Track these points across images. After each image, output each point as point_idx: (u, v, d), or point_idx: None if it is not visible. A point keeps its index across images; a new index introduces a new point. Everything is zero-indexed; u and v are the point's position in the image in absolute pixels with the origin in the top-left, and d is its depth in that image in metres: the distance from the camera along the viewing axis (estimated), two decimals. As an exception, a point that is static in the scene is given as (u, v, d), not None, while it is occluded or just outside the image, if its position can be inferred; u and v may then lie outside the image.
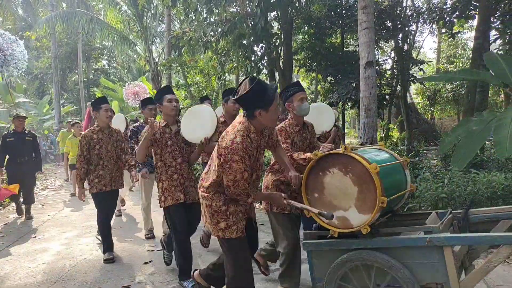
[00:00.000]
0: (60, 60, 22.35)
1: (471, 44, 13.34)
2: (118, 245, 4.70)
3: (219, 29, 9.07)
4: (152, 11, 15.89)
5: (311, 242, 2.52)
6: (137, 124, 5.02)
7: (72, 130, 8.56)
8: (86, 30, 18.23)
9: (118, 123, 5.29)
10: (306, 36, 12.01)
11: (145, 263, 4.03)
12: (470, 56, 10.14)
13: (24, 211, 6.45)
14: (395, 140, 14.02)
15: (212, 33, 9.48)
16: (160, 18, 16.69)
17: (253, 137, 2.33)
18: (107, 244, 4.19)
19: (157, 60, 17.73)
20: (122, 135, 4.49)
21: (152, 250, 4.45)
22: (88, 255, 4.38)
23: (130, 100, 10.51)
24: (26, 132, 6.53)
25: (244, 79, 2.39)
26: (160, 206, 3.35)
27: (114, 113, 4.69)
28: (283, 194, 2.40)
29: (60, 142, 10.57)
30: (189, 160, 3.47)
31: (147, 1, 9.96)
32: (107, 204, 4.27)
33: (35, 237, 5.24)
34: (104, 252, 4.17)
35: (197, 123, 3.27)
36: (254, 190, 2.42)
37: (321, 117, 3.97)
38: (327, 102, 10.95)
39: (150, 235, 4.98)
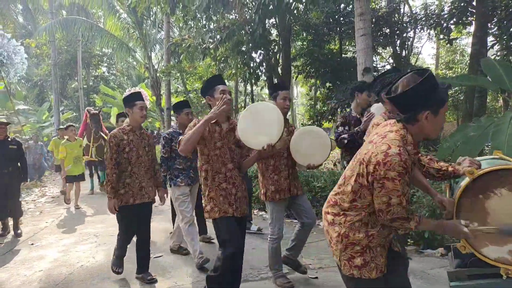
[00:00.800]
0: (59, 67, 22.41)
1: (469, 50, 13.40)
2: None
3: (218, 36, 9.12)
4: (152, 19, 15.99)
5: (468, 284, 1.92)
6: (170, 130, 4.40)
7: (65, 136, 8.05)
8: (85, 38, 18.33)
9: None
10: (305, 43, 12.07)
11: (142, 270, 3.99)
12: (468, 61, 10.18)
13: (12, 226, 5.79)
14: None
15: (210, 40, 9.54)
16: (159, 25, 16.77)
17: (410, 150, 1.77)
18: (120, 260, 3.79)
19: (156, 67, 17.81)
20: (153, 139, 3.88)
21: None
22: (85, 262, 4.35)
23: None
24: (9, 140, 5.89)
25: (407, 73, 1.87)
26: (205, 217, 2.93)
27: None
28: (462, 221, 1.81)
29: (54, 151, 9.75)
30: (241, 167, 2.95)
31: (147, 9, 10.02)
32: (132, 221, 3.63)
33: (32, 244, 5.21)
34: (114, 265, 3.79)
35: (261, 124, 2.72)
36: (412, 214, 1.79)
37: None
38: (325, 109, 10.98)
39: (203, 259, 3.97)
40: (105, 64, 29.10)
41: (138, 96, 3.57)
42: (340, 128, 3.88)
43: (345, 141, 3.75)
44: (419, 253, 4.16)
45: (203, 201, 2.87)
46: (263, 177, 3.41)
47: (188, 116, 4.08)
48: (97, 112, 9.30)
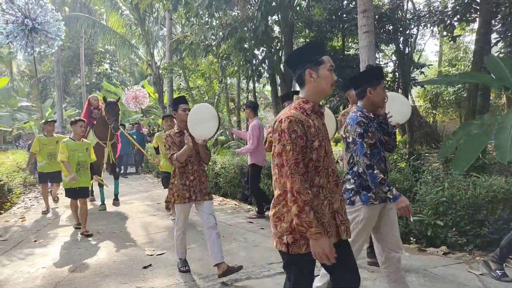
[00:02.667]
0: (62, 64, 22.46)
1: (472, 47, 13.33)
2: (117, 249, 4.70)
3: (220, 33, 9.10)
4: (154, 15, 15.97)
5: None
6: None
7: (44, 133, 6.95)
8: (88, 34, 18.34)
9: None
10: (307, 40, 12.02)
11: (145, 267, 4.01)
12: (472, 59, 10.13)
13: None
14: (396, 143, 13.98)
15: (213, 37, 9.53)
16: (161, 22, 16.76)
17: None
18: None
19: (158, 63, 17.79)
20: None
21: (151, 255, 4.43)
22: (88, 259, 4.37)
23: (130, 104, 10.40)
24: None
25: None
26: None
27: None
28: None
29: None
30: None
31: (149, 6, 10.01)
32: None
33: (35, 241, 5.23)
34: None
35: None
36: None
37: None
38: (327, 106, 10.94)
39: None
40: (108, 61, 29.16)
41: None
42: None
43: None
44: (421, 251, 4.15)
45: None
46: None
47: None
48: (115, 101, 7.18)
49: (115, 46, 18.55)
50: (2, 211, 7.29)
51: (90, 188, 7.07)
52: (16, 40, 7.79)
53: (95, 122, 7.35)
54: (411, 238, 4.42)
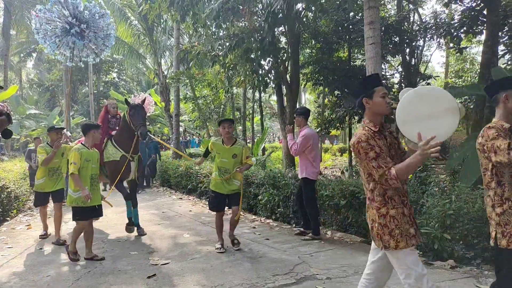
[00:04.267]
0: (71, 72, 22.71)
1: (479, 59, 13.27)
2: (122, 258, 4.70)
3: (227, 44, 9.17)
4: (162, 26, 16.16)
5: None
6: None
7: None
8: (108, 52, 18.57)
9: None
10: (313, 50, 12.08)
11: (149, 277, 4.00)
12: (479, 70, 10.10)
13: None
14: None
15: (220, 47, 9.60)
16: (169, 33, 16.94)
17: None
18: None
19: (166, 73, 17.94)
20: None
21: (156, 264, 4.42)
22: (92, 268, 4.37)
23: None
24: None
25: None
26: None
27: None
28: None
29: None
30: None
31: (157, 16, 10.13)
32: None
33: (40, 249, 5.25)
34: None
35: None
36: None
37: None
38: (334, 116, 10.95)
39: None
40: (116, 70, 29.49)
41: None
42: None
43: None
44: (428, 264, 4.10)
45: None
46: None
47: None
48: (140, 103, 6.01)
49: (123, 55, 18.78)
50: (8, 218, 7.33)
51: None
52: (62, 45, 6.88)
53: (113, 133, 6.20)
54: (418, 252, 4.36)
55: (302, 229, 5.63)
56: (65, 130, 6.13)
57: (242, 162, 5.00)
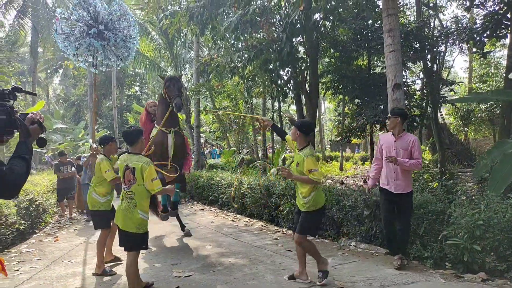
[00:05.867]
0: (95, 87, 23.42)
1: (504, 63, 12.90)
2: (146, 270, 4.74)
3: (246, 55, 9.27)
4: (182, 39, 16.48)
5: None
6: None
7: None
8: (131, 60, 19.11)
9: None
10: (332, 59, 12.06)
11: (173, 289, 4.02)
12: (504, 74, 9.82)
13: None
14: (427, 162, 13.59)
15: (239, 59, 9.72)
16: (189, 46, 17.25)
17: None
18: None
19: (186, 85, 18.26)
20: None
21: (179, 276, 4.44)
22: (118, 280, 4.43)
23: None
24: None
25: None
26: None
27: None
28: None
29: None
30: None
31: (177, 30, 10.33)
32: None
33: (68, 261, 5.36)
34: None
35: None
36: None
37: None
38: (354, 125, 10.84)
39: None
40: (138, 84, 30.18)
41: None
42: None
43: None
44: (458, 277, 3.96)
45: None
46: None
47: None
48: (176, 76, 6.07)
49: (145, 69, 19.24)
50: (36, 231, 7.54)
51: None
52: (81, 47, 6.36)
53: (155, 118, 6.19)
54: (447, 263, 4.23)
55: (401, 257, 4.47)
56: (91, 141, 6.16)
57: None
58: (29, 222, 7.15)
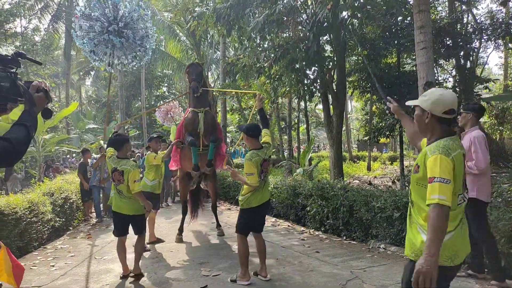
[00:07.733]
0: (125, 88, 24.07)
1: (544, 58, 12.26)
2: (175, 268, 4.82)
3: (272, 55, 9.25)
4: (209, 40, 16.69)
5: None
6: None
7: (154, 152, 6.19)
8: (148, 60, 19.56)
9: None
10: (360, 57, 11.85)
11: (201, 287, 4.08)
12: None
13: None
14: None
15: (265, 58, 9.70)
16: (215, 47, 17.47)
17: None
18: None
19: (213, 85, 18.45)
20: None
21: (207, 275, 4.49)
22: (147, 277, 4.53)
23: (165, 121, 10.62)
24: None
25: None
26: None
27: None
28: None
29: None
30: None
31: (204, 32, 10.46)
32: None
33: (100, 258, 5.53)
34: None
35: None
36: None
37: None
38: (382, 124, 10.61)
39: None
40: (166, 84, 30.75)
41: None
42: None
43: None
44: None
45: None
46: None
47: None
48: (197, 62, 6.38)
49: (173, 70, 19.60)
50: (70, 228, 7.82)
51: None
52: (100, 44, 6.41)
53: None
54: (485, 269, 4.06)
55: (470, 272, 4.04)
56: (102, 142, 6.47)
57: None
58: (63, 219, 7.42)
